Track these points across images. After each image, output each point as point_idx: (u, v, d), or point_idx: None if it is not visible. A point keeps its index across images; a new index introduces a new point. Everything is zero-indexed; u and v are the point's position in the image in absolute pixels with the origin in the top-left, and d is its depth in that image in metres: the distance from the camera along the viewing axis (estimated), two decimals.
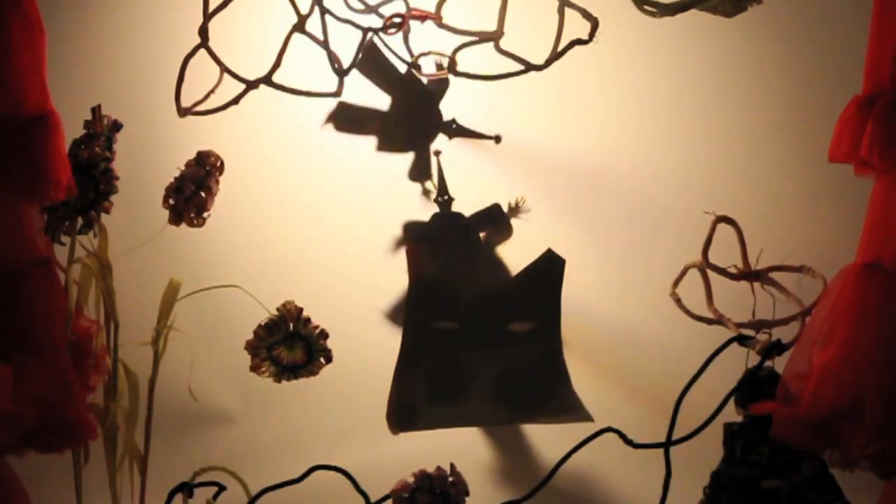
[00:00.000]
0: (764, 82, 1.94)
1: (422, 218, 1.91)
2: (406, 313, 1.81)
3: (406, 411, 1.82)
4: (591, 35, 1.70)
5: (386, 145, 1.89)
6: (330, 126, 1.85)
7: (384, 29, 1.72)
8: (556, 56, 1.72)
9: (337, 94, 1.72)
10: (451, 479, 1.70)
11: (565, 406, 1.83)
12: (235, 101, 1.73)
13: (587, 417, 1.81)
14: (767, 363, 1.68)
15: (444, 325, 1.82)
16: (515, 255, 1.87)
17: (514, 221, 1.93)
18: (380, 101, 1.91)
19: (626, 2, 1.69)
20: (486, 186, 1.95)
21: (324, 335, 1.71)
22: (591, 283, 1.94)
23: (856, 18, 1.68)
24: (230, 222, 1.90)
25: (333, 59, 1.71)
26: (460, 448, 1.88)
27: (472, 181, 1.94)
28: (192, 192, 1.70)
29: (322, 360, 1.72)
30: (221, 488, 1.69)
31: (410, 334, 1.81)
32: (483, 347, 1.82)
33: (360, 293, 1.95)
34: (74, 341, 1.72)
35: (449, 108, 1.92)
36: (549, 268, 1.82)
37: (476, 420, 1.89)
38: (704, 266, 1.73)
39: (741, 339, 1.69)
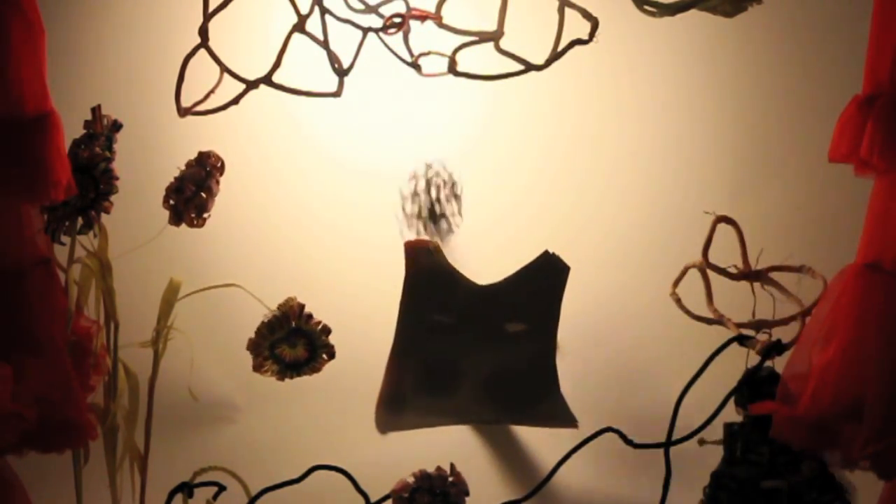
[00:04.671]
0: (764, 82, 1.94)
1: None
2: (401, 306, 1.81)
3: (394, 407, 1.83)
4: (591, 35, 1.70)
5: None
6: None
7: (384, 29, 1.72)
8: (556, 56, 1.72)
9: (337, 94, 1.72)
10: (451, 479, 1.70)
11: (552, 412, 1.83)
12: (235, 101, 1.72)
13: (573, 423, 1.81)
14: (767, 363, 1.68)
15: (439, 320, 1.83)
16: (514, 254, 1.87)
17: (513, 222, 1.94)
18: (380, 102, 1.91)
19: (626, 2, 1.69)
20: (485, 186, 1.95)
21: (326, 331, 1.71)
22: (591, 283, 1.94)
23: (856, 18, 1.68)
24: (230, 222, 1.90)
25: (333, 59, 1.71)
26: (460, 448, 1.88)
27: (471, 182, 1.94)
28: (193, 192, 1.70)
29: (325, 356, 1.71)
30: (221, 488, 1.70)
31: (405, 328, 1.82)
32: (476, 345, 1.83)
33: (359, 293, 1.95)
34: (74, 341, 1.72)
35: (449, 108, 1.92)
36: (551, 271, 1.82)
37: (461, 418, 1.89)
38: (704, 266, 1.73)
39: (741, 339, 1.69)
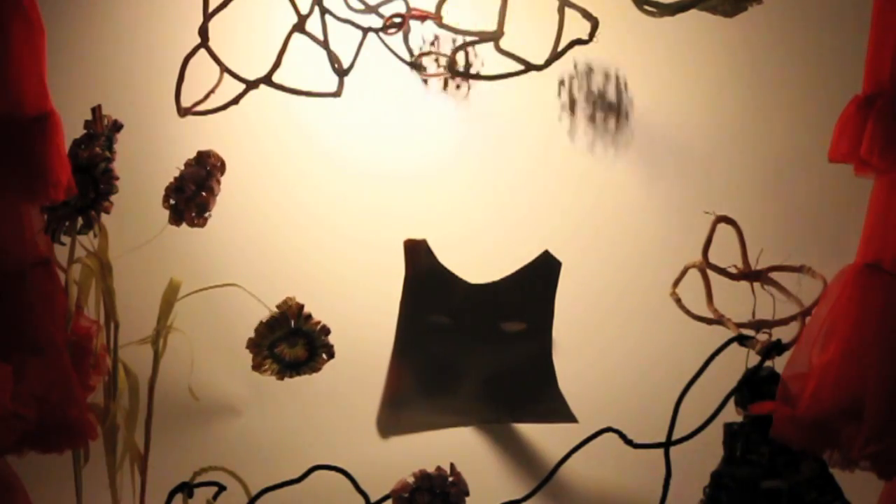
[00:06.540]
0: (764, 82, 1.93)
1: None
2: (401, 307, 1.81)
3: (397, 409, 1.83)
4: (591, 35, 1.70)
5: None
6: None
7: (384, 29, 1.72)
8: (556, 56, 1.72)
9: (337, 94, 1.72)
10: (451, 479, 1.70)
11: (552, 408, 1.83)
12: (235, 101, 1.72)
13: (572, 419, 1.82)
14: (767, 363, 1.68)
15: (438, 320, 1.83)
16: (513, 254, 1.87)
17: (512, 221, 1.93)
18: (379, 102, 1.91)
19: (626, 2, 1.69)
20: (484, 185, 1.95)
21: (325, 331, 1.71)
22: (591, 283, 1.94)
23: (856, 18, 1.68)
24: (230, 222, 1.90)
25: (333, 59, 1.71)
26: (460, 448, 1.88)
27: (470, 180, 1.94)
28: (193, 192, 1.70)
29: (324, 355, 1.71)
30: (221, 488, 1.70)
31: (405, 328, 1.81)
32: (475, 345, 1.83)
33: (359, 293, 1.95)
34: (74, 341, 1.72)
35: (448, 108, 1.92)
36: (546, 269, 1.82)
37: (463, 419, 1.89)
38: (704, 266, 1.73)
39: (741, 339, 1.69)
